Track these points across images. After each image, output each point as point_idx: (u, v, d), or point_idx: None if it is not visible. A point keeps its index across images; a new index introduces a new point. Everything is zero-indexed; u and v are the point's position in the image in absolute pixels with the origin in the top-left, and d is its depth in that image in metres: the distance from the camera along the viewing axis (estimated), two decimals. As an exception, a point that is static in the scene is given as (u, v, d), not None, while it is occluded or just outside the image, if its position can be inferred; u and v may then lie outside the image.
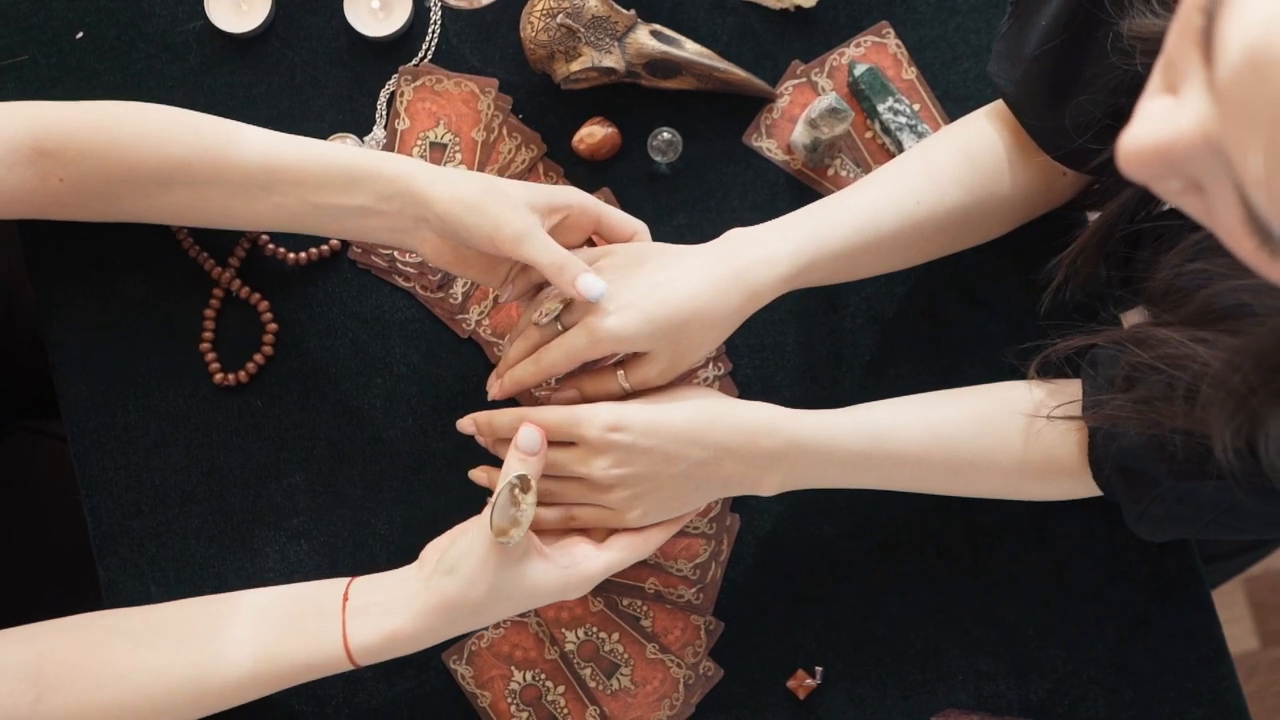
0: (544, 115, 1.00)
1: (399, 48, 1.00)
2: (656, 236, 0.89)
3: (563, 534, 0.85)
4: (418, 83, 0.99)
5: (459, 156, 0.99)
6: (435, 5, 1.00)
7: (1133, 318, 0.91)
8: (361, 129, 0.99)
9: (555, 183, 0.99)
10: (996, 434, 0.85)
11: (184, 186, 0.84)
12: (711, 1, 1.01)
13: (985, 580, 0.96)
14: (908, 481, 0.87)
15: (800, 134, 0.98)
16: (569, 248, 0.85)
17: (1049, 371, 0.85)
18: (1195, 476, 0.78)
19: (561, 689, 0.94)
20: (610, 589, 0.95)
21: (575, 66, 0.95)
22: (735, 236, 0.86)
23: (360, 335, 0.97)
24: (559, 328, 0.84)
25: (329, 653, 0.81)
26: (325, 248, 0.97)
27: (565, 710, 0.94)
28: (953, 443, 0.85)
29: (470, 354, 0.97)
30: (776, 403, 0.86)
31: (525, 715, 0.94)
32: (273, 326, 0.96)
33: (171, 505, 0.95)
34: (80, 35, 0.99)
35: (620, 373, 0.85)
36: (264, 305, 0.96)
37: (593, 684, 0.94)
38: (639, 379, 0.84)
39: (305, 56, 0.99)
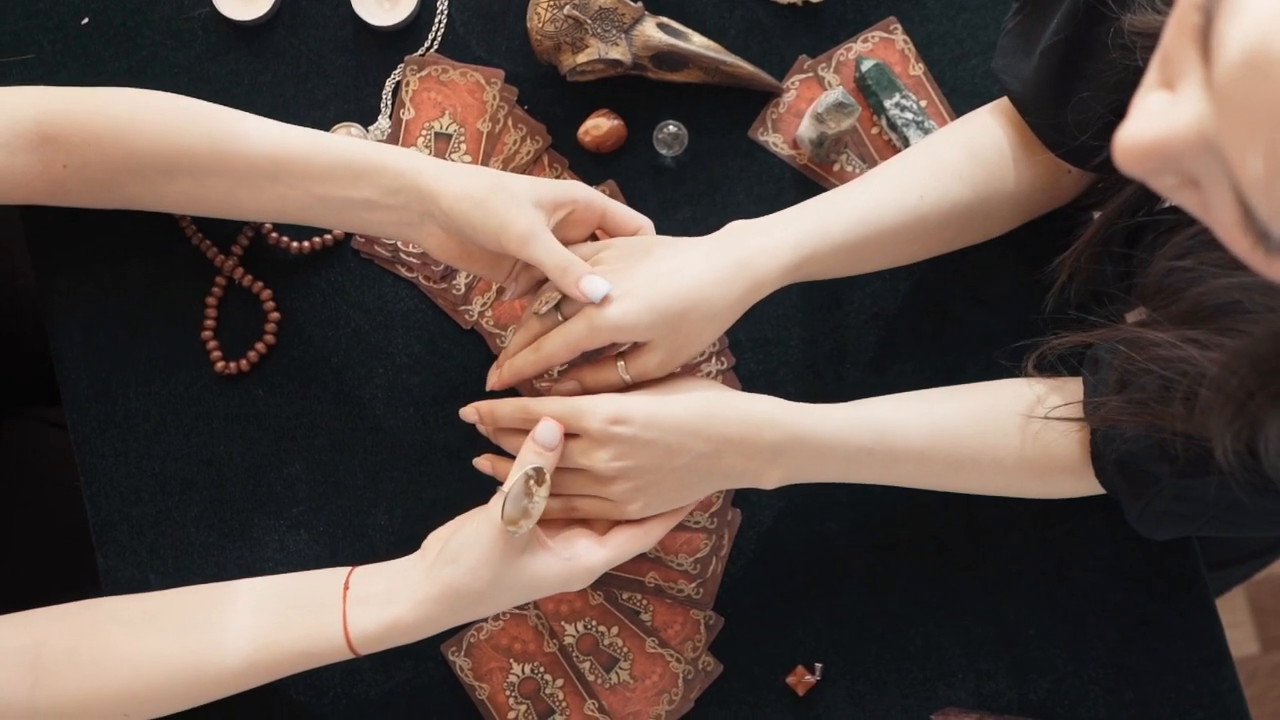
0: (550, 107, 0.99)
1: (405, 37, 1.00)
2: (661, 230, 0.89)
3: (564, 525, 0.84)
4: (423, 73, 0.99)
5: (464, 147, 0.98)
6: (442, -5, 1.00)
7: (1136, 317, 0.91)
8: (366, 118, 0.99)
9: (560, 175, 0.99)
10: (999, 431, 0.85)
11: (188, 175, 0.84)
12: (719, -5, 1.01)
13: (986, 579, 0.96)
14: (909, 477, 0.87)
15: (806, 129, 0.97)
16: (573, 242, 0.85)
17: (1045, 369, 0.84)
18: (1195, 474, 0.78)
19: (560, 682, 0.94)
20: (610, 583, 0.94)
21: (581, 58, 0.95)
22: (737, 227, 0.85)
23: (362, 325, 0.97)
24: (559, 317, 0.84)
25: (329, 641, 0.80)
26: (329, 237, 0.97)
27: (564, 703, 0.93)
28: (955, 439, 0.85)
29: (473, 345, 0.97)
30: (779, 398, 0.86)
31: (523, 708, 0.93)
32: (275, 315, 0.96)
33: (171, 493, 0.94)
34: (86, 21, 0.98)
35: (620, 363, 0.84)
36: (266, 294, 0.96)
37: (591, 677, 0.94)
38: (639, 369, 0.84)
39: (311, 45, 0.99)
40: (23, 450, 1.19)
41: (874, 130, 1.00)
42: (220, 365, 0.95)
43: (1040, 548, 0.96)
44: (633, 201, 0.98)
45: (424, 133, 0.98)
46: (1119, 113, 0.78)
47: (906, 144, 0.97)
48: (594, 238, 0.89)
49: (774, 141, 1.00)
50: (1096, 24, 0.77)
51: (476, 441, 0.89)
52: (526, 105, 0.99)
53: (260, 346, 0.95)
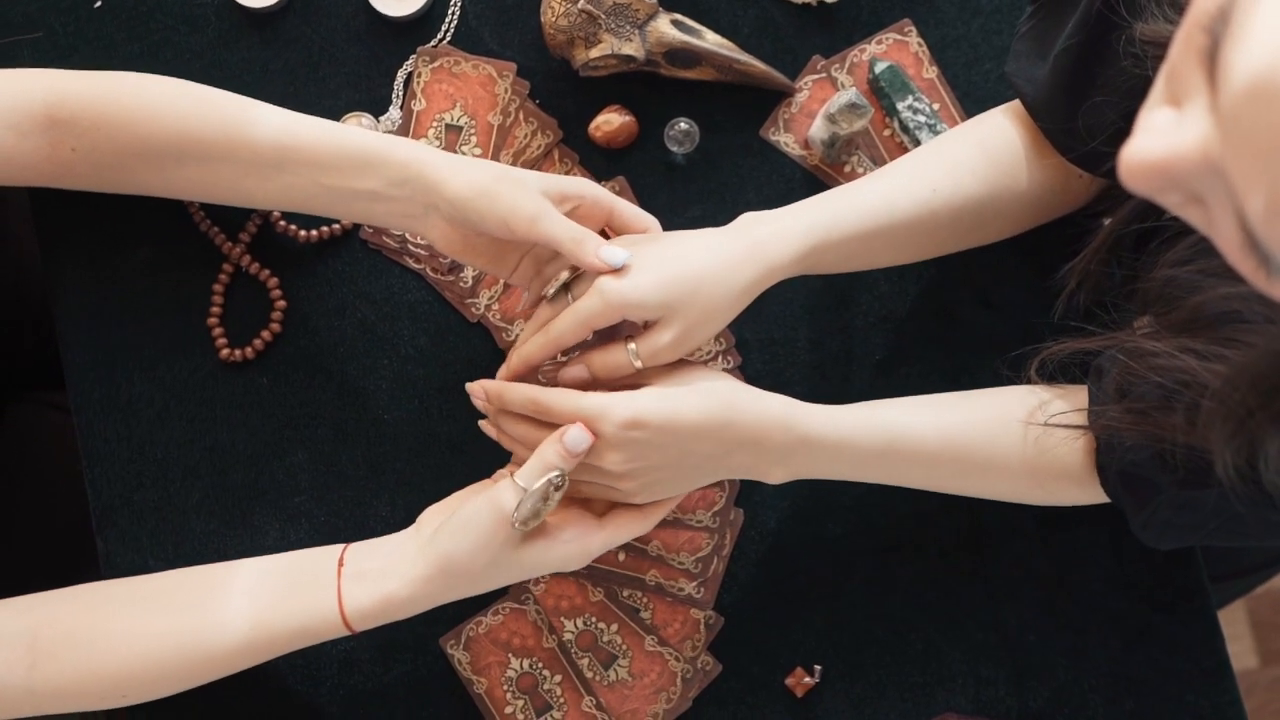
0: (561, 101, 0.99)
1: (418, 28, 0.99)
2: (670, 227, 0.89)
3: (562, 505, 0.84)
4: (435, 64, 0.99)
5: (474, 139, 0.98)
6: (456, -13, 1.00)
7: (1143, 324, 0.91)
8: (377, 109, 0.98)
9: (570, 170, 0.98)
10: (1008, 438, 0.85)
11: (196, 162, 0.84)
12: (734, -7, 1.01)
13: (988, 584, 0.95)
14: (916, 480, 0.87)
15: (818, 129, 0.97)
16: None
17: (1047, 377, 0.84)
18: (1198, 485, 0.78)
19: (558, 678, 0.93)
20: (611, 580, 0.94)
21: (594, 53, 0.94)
22: (748, 217, 0.85)
23: (369, 316, 0.96)
24: (569, 299, 0.84)
25: (324, 617, 0.80)
26: (337, 226, 0.97)
27: (561, 700, 0.93)
28: (964, 446, 0.85)
29: (479, 339, 0.97)
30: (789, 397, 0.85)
31: (521, 703, 0.93)
32: (281, 304, 0.96)
33: (173, 479, 0.94)
34: (99, 4, 0.98)
35: (630, 345, 0.83)
36: (273, 282, 0.96)
37: (590, 674, 0.93)
38: (649, 349, 0.82)
39: (323, 34, 0.99)
40: (26, 434, 1.19)
41: (886, 132, 1.00)
42: (225, 352, 0.95)
43: (1043, 554, 0.96)
44: (643, 198, 0.98)
45: (435, 124, 0.98)
46: (1130, 119, 0.79)
47: (918, 146, 0.97)
48: (605, 236, 0.88)
49: (785, 141, 0.99)
50: (1110, 30, 0.77)
51: (479, 435, 0.89)
52: (538, 99, 0.99)
53: (266, 334, 0.95)
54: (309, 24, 0.99)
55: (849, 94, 0.94)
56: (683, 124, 0.98)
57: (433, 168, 0.82)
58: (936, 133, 0.97)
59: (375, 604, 0.80)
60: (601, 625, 0.94)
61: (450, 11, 1.00)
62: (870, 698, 0.94)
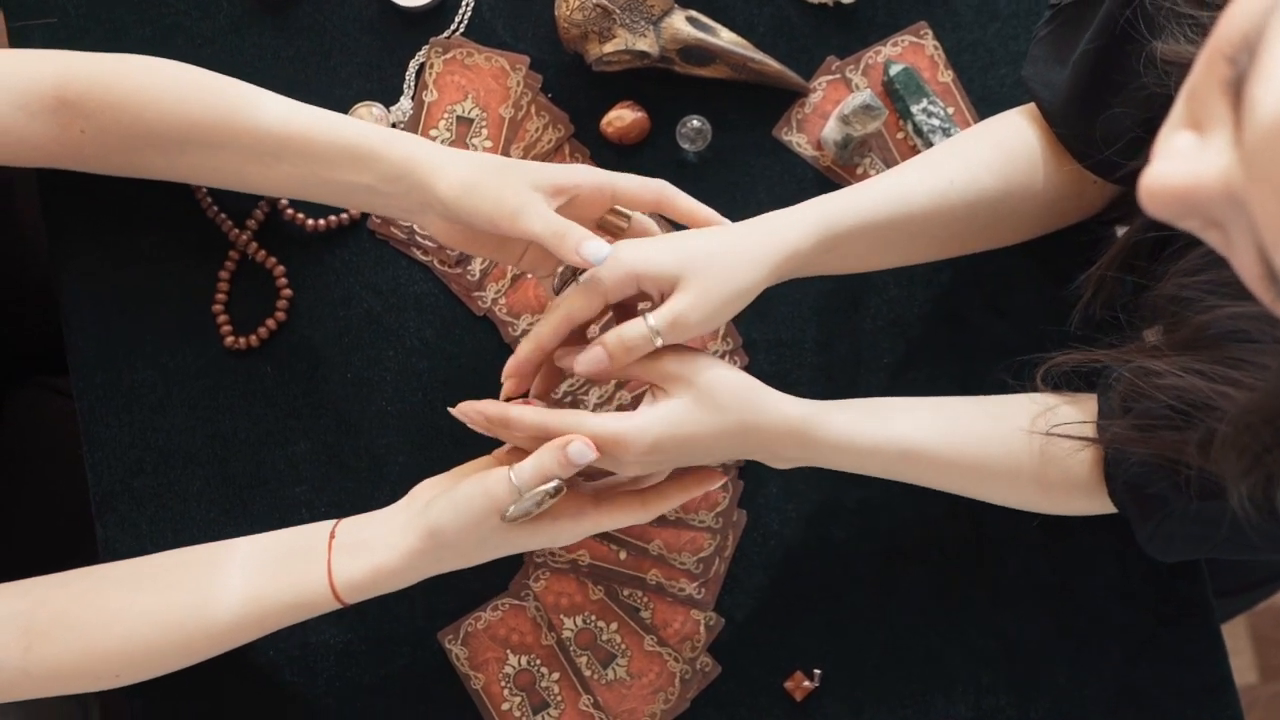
0: (573, 96, 0.99)
1: (431, 19, 0.99)
2: (679, 226, 0.88)
3: None
4: (448, 55, 0.98)
5: (485, 132, 0.97)
6: (470, -22, 0.99)
7: (1152, 338, 0.90)
8: (389, 99, 0.98)
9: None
10: (1018, 448, 0.84)
11: (200, 148, 0.83)
12: (750, -9, 1.00)
13: (991, 592, 0.95)
14: (923, 483, 0.86)
15: (832, 130, 0.96)
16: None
17: (1052, 386, 0.84)
18: (1205, 499, 0.78)
19: (556, 676, 0.93)
20: (612, 578, 0.94)
21: (608, 48, 0.94)
22: (760, 215, 0.84)
23: (375, 306, 0.96)
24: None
25: (314, 590, 0.80)
26: (345, 216, 0.96)
27: (559, 697, 0.93)
28: (975, 456, 0.84)
29: (485, 332, 0.96)
30: (805, 399, 0.84)
31: (518, 700, 0.92)
32: (287, 293, 0.95)
33: (174, 466, 0.94)
34: (111, -13, 0.98)
35: (648, 314, 0.79)
36: (279, 270, 0.95)
37: (588, 672, 0.93)
38: (667, 316, 0.78)
39: (336, 22, 0.98)
40: (28, 418, 1.19)
41: (899, 135, 0.99)
42: (230, 340, 0.94)
43: (1048, 563, 0.95)
44: (652, 195, 0.97)
45: (446, 115, 0.98)
46: (1148, 129, 0.78)
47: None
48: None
49: (798, 142, 0.99)
50: (1129, 41, 0.77)
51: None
52: (550, 93, 0.98)
53: (271, 323, 0.95)
54: (322, 12, 0.98)
55: (863, 95, 0.94)
56: (695, 122, 0.97)
57: (424, 166, 0.81)
58: (950, 136, 0.97)
59: (364, 575, 0.80)
60: (601, 624, 0.93)
61: (464, 3, 0.99)
62: (870, 703, 0.94)
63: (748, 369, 0.96)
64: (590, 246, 0.77)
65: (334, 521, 0.83)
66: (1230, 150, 0.44)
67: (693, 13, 0.96)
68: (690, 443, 0.79)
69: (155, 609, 0.80)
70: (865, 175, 0.98)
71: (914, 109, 0.97)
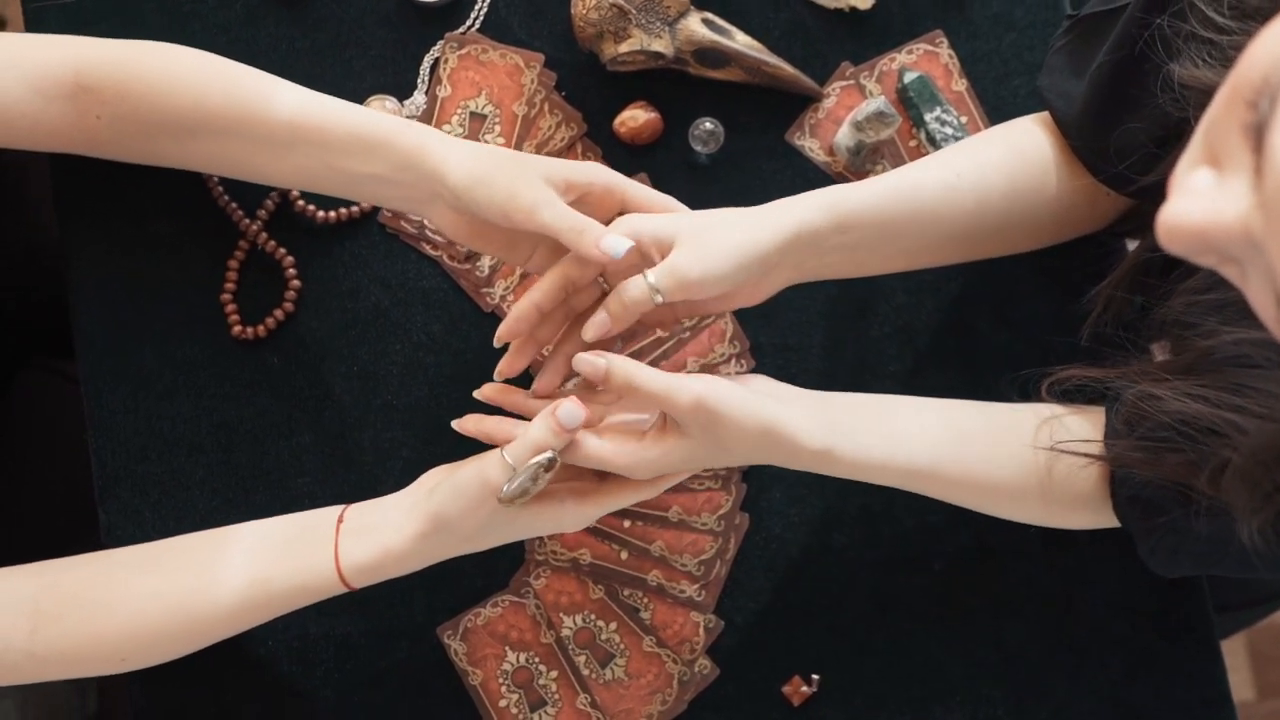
0: (587, 95, 0.99)
1: (447, 14, 0.99)
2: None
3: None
4: (463, 51, 0.98)
5: (498, 129, 0.97)
6: (487, -25, 0.99)
7: (1159, 353, 0.90)
8: (403, 93, 0.98)
9: (591, 166, 0.98)
10: (1027, 465, 0.83)
11: (212, 135, 0.83)
12: (766, -5, 1.00)
13: (992, 602, 0.95)
14: (932, 496, 0.86)
15: (844, 136, 0.96)
16: None
17: (1055, 398, 0.84)
18: (1210, 516, 0.77)
19: (554, 674, 0.93)
20: (612, 578, 0.93)
21: (624, 48, 0.94)
22: None
23: (383, 300, 0.96)
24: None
25: (320, 573, 0.80)
26: (355, 209, 0.96)
27: (556, 696, 0.93)
28: (983, 475, 0.83)
29: (492, 329, 0.94)
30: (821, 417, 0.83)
31: (515, 697, 0.92)
32: (296, 284, 0.95)
33: (178, 454, 0.94)
34: (128, -26, 0.98)
35: (648, 272, 0.77)
36: (289, 261, 0.95)
37: (586, 671, 0.93)
38: (665, 270, 0.77)
39: (352, 15, 0.98)
40: (34, 402, 1.19)
41: (912, 143, 0.99)
42: (237, 329, 0.95)
43: (1048, 575, 0.95)
44: (663, 196, 0.97)
45: (459, 111, 0.98)
46: (1162, 145, 0.78)
47: (944, 158, 0.96)
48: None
49: (810, 147, 0.99)
50: (1146, 59, 0.77)
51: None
52: (564, 91, 0.98)
53: (279, 313, 0.95)
54: (338, 5, 0.98)
55: (877, 102, 0.94)
56: (708, 124, 0.97)
57: (435, 155, 0.80)
58: (963, 145, 0.97)
59: (370, 558, 0.80)
60: (600, 623, 0.93)
61: (480, -1, 0.99)
62: (867, 710, 0.94)
63: (754, 372, 0.96)
64: (610, 240, 0.77)
65: (341, 506, 0.83)
66: (1250, 195, 0.44)
67: (708, 15, 0.96)
68: (707, 464, 0.81)
69: (162, 592, 0.81)
70: (877, 182, 0.98)
71: (927, 117, 0.97)
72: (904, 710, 0.94)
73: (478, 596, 0.93)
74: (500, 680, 0.93)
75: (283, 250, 0.95)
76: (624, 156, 0.98)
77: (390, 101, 0.97)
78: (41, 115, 0.81)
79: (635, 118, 0.97)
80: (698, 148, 0.98)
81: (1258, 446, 0.70)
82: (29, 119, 0.81)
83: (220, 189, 0.95)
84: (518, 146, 0.97)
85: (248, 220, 0.95)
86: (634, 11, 0.93)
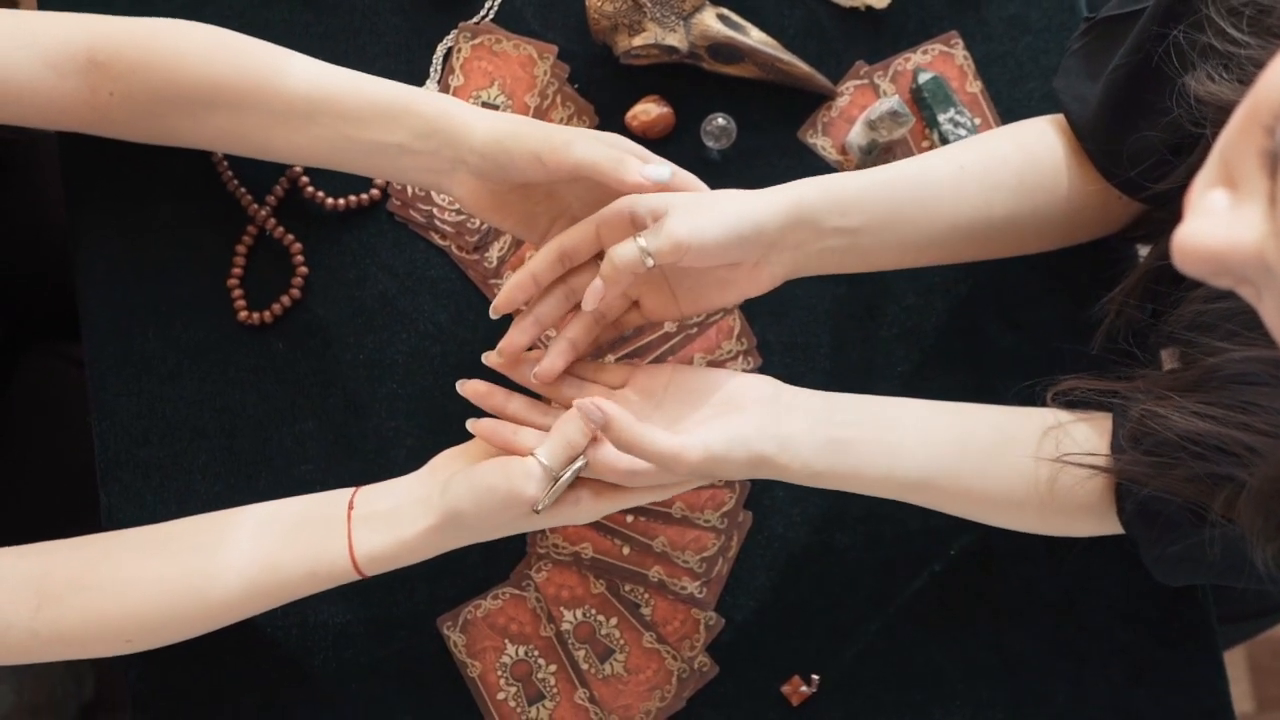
0: (599, 88, 0.98)
1: (461, 3, 0.99)
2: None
3: None
4: (476, 40, 0.98)
5: (510, 119, 0.97)
6: (502, -35, 0.99)
7: (1169, 361, 0.90)
8: (415, 81, 0.97)
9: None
10: (1029, 476, 0.83)
11: (227, 109, 0.83)
12: (782, -8, 1.00)
13: (994, 606, 0.94)
14: (933, 507, 0.86)
15: (857, 135, 0.96)
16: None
17: (1061, 404, 0.83)
18: (1221, 534, 0.77)
19: (553, 668, 0.92)
20: (614, 573, 0.93)
21: (638, 41, 0.94)
22: None
23: (390, 288, 0.96)
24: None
25: (333, 561, 0.80)
26: (364, 196, 0.96)
27: (554, 690, 0.92)
28: (984, 488, 0.83)
29: (498, 320, 0.95)
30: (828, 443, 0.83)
31: (514, 690, 0.92)
32: (303, 270, 0.95)
33: (181, 438, 0.94)
34: (143, -44, 0.97)
35: (638, 236, 0.77)
36: (297, 247, 0.95)
37: (585, 666, 0.92)
38: (656, 231, 0.76)
39: (366, 1, 0.98)
40: (39, 384, 1.19)
41: (925, 144, 0.99)
42: (243, 314, 0.94)
43: (1051, 580, 0.94)
44: (674, 191, 0.97)
45: (471, 101, 0.97)
46: (1177, 154, 0.78)
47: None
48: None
49: (822, 145, 0.98)
50: (1162, 67, 0.76)
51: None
52: (577, 84, 0.98)
53: (285, 299, 0.94)
54: (352, -10, 0.98)
55: (890, 102, 0.93)
56: (720, 119, 0.97)
57: (459, 119, 0.80)
58: (976, 147, 0.96)
59: (386, 549, 0.80)
60: (601, 618, 0.93)
61: (495, -11, 0.99)
62: (866, 712, 0.93)
63: (761, 370, 0.96)
64: (653, 167, 0.77)
65: (350, 491, 0.83)
66: (1265, 217, 0.44)
67: (724, 10, 0.96)
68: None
69: (168, 574, 0.80)
70: (888, 182, 0.98)
71: (941, 118, 0.97)
72: (903, 713, 0.93)
73: (478, 588, 0.93)
74: (499, 673, 0.92)
75: (291, 236, 0.95)
76: (635, 150, 0.98)
77: (402, 89, 0.97)
78: (54, 92, 0.81)
79: (647, 112, 0.97)
80: (709, 143, 0.97)
81: (1273, 475, 0.70)
82: (42, 95, 0.81)
83: (230, 173, 0.95)
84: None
85: (256, 205, 0.95)
86: (649, 5, 0.93)
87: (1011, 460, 0.83)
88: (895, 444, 0.82)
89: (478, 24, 0.98)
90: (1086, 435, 0.83)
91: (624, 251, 0.76)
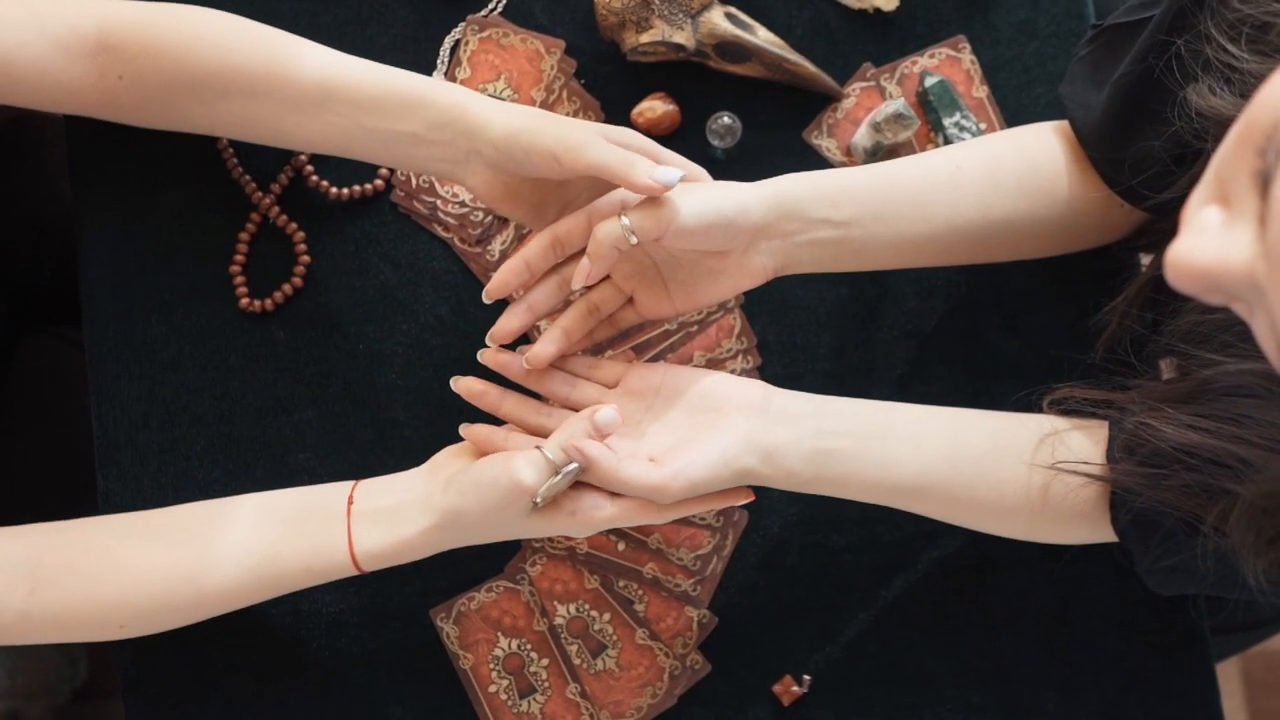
0: (606, 84, 0.98)
1: (471, -4, 0.99)
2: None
3: None
4: (484, 34, 0.98)
5: (515, 113, 0.97)
6: (512, -41, 0.99)
7: (1167, 371, 0.90)
8: (422, 72, 0.96)
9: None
10: (1023, 484, 0.83)
11: (240, 96, 0.83)
12: (791, -7, 1.00)
13: (987, 612, 0.94)
14: (919, 513, 0.86)
15: (862, 136, 0.96)
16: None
17: (1058, 410, 0.83)
18: (1214, 547, 0.77)
19: (545, 662, 0.93)
20: (608, 568, 0.93)
21: (645, 38, 0.94)
22: None
23: (391, 279, 0.96)
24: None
25: (333, 556, 0.80)
26: (369, 186, 0.96)
27: (546, 684, 0.92)
28: (976, 496, 0.83)
29: (499, 312, 0.95)
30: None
31: (505, 683, 0.92)
32: (305, 259, 0.95)
33: (179, 424, 0.94)
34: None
35: (624, 219, 0.77)
36: (299, 236, 0.95)
37: (578, 661, 0.93)
38: (640, 208, 0.77)
39: (375, -8, 0.98)
40: (39, 367, 1.19)
41: (930, 147, 0.98)
42: (245, 302, 0.94)
43: (1046, 587, 0.94)
44: (678, 189, 0.97)
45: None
46: (1179, 163, 0.78)
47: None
48: None
49: (827, 146, 0.98)
50: (1166, 77, 0.76)
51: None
52: (583, 79, 0.98)
53: (287, 288, 0.95)
54: (361, -19, 0.98)
55: (896, 104, 0.93)
56: (725, 118, 0.97)
57: (475, 110, 0.80)
58: (980, 152, 0.96)
59: (386, 547, 0.80)
60: (594, 613, 0.93)
61: (504, -17, 0.99)
62: (857, 713, 0.93)
63: (760, 369, 0.96)
64: (663, 171, 0.76)
65: (350, 484, 0.83)
66: (1255, 243, 0.44)
67: (732, 9, 0.96)
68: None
69: (163, 563, 0.80)
70: (892, 185, 0.98)
71: (946, 122, 0.97)
72: (894, 715, 0.93)
73: (472, 580, 0.93)
74: (491, 665, 0.92)
75: (294, 225, 0.95)
76: (640, 147, 0.98)
77: (409, 81, 0.97)
78: (63, 74, 0.81)
79: (653, 109, 0.97)
80: (715, 142, 0.97)
81: (1265, 491, 0.70)
82: (50, 77, 0.81)
83: (234, 160, 0.95)
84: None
85: (260, 193, 0.95)
86: (657, 2, 0.93)
87: (1004, 468, 0.83)
88: (884, 453, 0.82)
89: (486, 17, 0.98)
90: (1082, 443, 0.83)
91: (608, 228, 0.77)
